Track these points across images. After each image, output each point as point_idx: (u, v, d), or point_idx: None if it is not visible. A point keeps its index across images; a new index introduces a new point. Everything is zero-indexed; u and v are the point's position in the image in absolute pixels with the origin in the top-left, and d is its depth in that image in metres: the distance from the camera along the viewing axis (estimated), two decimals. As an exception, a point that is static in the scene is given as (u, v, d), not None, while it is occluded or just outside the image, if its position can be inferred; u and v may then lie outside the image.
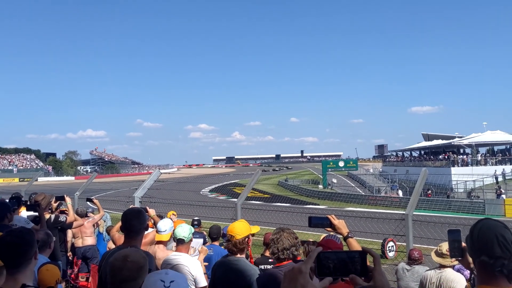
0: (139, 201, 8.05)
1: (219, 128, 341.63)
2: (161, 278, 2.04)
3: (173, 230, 4.36)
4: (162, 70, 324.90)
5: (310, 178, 63.55)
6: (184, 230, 4.16)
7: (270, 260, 4.50)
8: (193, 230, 4.33)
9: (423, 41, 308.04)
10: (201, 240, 6.37)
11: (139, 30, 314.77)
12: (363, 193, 42.44)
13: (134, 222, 3.35)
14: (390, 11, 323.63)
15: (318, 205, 32.49)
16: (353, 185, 54.00)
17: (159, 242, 4.44)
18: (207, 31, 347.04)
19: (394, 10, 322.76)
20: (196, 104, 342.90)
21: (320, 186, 50.92)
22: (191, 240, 4.21)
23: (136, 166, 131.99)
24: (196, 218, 8.07)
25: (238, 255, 3.66)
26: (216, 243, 6.05)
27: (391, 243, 13.67)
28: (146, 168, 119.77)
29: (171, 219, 5.49)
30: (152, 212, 5.56)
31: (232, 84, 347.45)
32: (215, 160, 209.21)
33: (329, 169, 56.28)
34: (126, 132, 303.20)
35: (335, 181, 53.57)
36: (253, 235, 3.81)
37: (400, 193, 37.25)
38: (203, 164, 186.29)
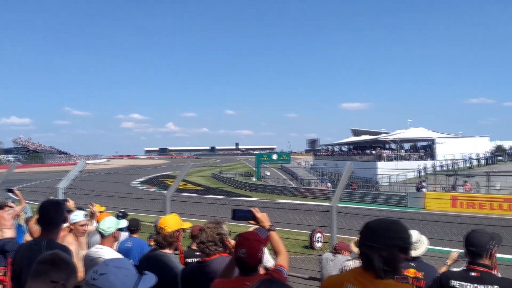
0: (63, 192, 7.72)
1: (152, 119, 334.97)
2: (95, 269, 1.91)
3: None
4: (92, 55, 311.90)
5: (244, 171, 63.98)
6: (104, 223, 4.02)
7: (197, 253, 4.50)
8: (119, 223, 4.21)
9: (355, 40, 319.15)
10: (127, 233, 6.22)
11: (68, 10, 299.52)
12: (294, 186, 43.36)
13: (52, 214, 3.21)
14: (323, 6, 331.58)
15: (251, 197, 32.81)
16: (286, 177, 55.08)
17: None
18: (143, 19, 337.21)
19: (328, 5, 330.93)
20: (128, 93, 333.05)
21: (254, 179, 51.38)
22: (114, 233, 4.09)
23: (63, 156, 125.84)
24: (121, 210, 7.85)
25: (167, 250, 3.60)
26: (135, 235, 5.94)
27: (318, 234, 14.12)
28: (74, 158, 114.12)
29: (93, 210, 5.32)
30: (71, 204, 5.37)
31: (166, 74, 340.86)
32: (147, 151, 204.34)
33: (263, 162, 56.94)
34: (53, 120, 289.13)
35: (268, 173, 54.26)
36: (184, 230, 3.76)
37: (330, 185, 38.51)
38: (135, 155, 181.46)
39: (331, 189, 35.61)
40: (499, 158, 40.95)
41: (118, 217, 7.08)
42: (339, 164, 48.79)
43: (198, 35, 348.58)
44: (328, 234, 6.26)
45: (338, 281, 2.18)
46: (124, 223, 4.27)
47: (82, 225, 4.62)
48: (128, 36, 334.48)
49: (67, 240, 4.41)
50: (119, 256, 3.93)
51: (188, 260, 4.38)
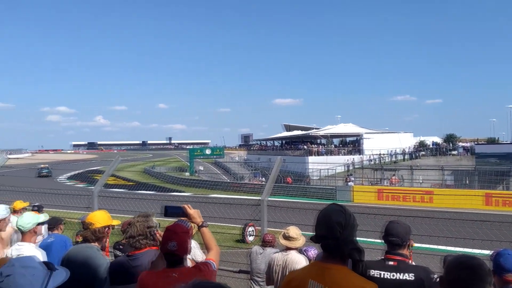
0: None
1: (80, 112, 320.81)
2: (0, 270, 1.73)
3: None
4: (15, 44, 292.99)
5: (177, 166, 63.17)
6: (23, 219, 3.87)
7: (121, 246, 4.47)
8: (39, 217, 4.01)
9: (286, 37, 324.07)
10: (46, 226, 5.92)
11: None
12: (228, 180, 43.44)
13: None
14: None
15: (184, 192, 32.48)
16: (219, 172, 55.06)
17: None
18: (69, 12, 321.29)
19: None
20: (54, 85, 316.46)
21: (187, 174, 50.87)
22: (34, 229, 3.91)
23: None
24: (36, 204, 7.50)
25: (94, 245, 3.53)
26: (57, 232, 5.67)
27: (251, 228, 14.31)
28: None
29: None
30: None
31: (95, 66, 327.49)
32: (75, 146, 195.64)
33: (196, 157, 56.59)
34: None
35: (201, 168, 54.08)
36: (113, 227, 3.73)
37: (263, 180, 38.96)
38: (62, 150, 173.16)
39: (264, 183, 36.08)
40: (422, 153, 43.38)
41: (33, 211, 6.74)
42: (272, 159, 49.48)
43: (126, 28, 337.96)
44: (260, 228, 6.34)
45: (301, 277, 2.21)
46: (43, 217, 4.08)
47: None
48: (52, 27, 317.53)
49: None
50: (40, 252, 3.76)
51: (117, 252, 4.34)
